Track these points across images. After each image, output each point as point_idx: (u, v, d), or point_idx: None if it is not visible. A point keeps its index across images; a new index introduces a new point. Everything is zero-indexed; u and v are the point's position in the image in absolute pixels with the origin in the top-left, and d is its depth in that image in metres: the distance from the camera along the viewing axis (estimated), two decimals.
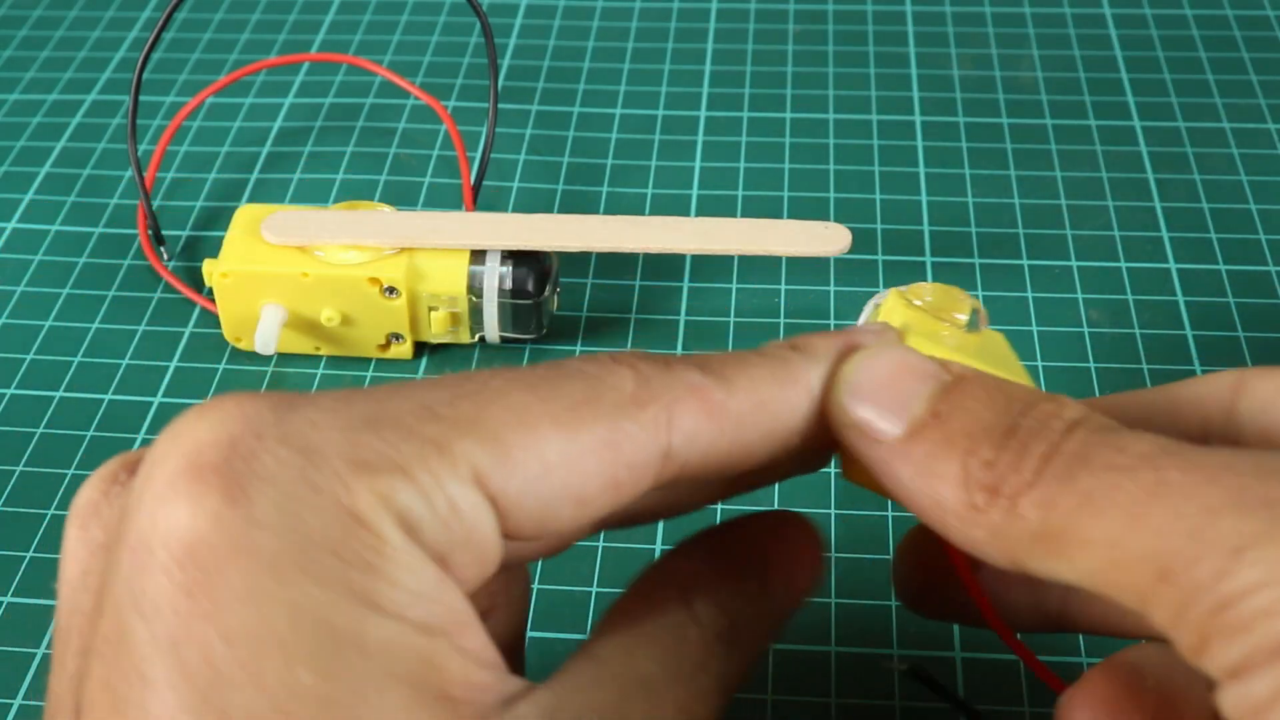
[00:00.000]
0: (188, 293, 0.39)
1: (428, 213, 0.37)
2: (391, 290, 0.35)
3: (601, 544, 0.33)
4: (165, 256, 0.41)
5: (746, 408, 0.21)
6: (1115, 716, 0.20)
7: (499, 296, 0.36)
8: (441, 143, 0.46)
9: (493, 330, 0.37)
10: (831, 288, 0.40)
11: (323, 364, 0.38)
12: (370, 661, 0.17)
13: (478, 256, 0.36)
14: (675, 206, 0.43)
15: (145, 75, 0.46)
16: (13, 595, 0.32)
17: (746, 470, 0.22)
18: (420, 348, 0.38)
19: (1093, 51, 0.49)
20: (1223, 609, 0.17)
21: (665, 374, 0.21)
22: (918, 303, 0.26)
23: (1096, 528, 0.18)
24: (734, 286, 0.40)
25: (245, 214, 0.37)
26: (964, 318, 0.25)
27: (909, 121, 0.46)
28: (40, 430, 0.36)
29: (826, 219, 0.42)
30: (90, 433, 0.36)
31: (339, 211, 0.36)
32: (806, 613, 0.31)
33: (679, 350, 0.38)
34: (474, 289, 0.36)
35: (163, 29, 0.42)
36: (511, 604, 0.23)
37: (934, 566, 0.25)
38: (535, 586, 0.32)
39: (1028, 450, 0.19)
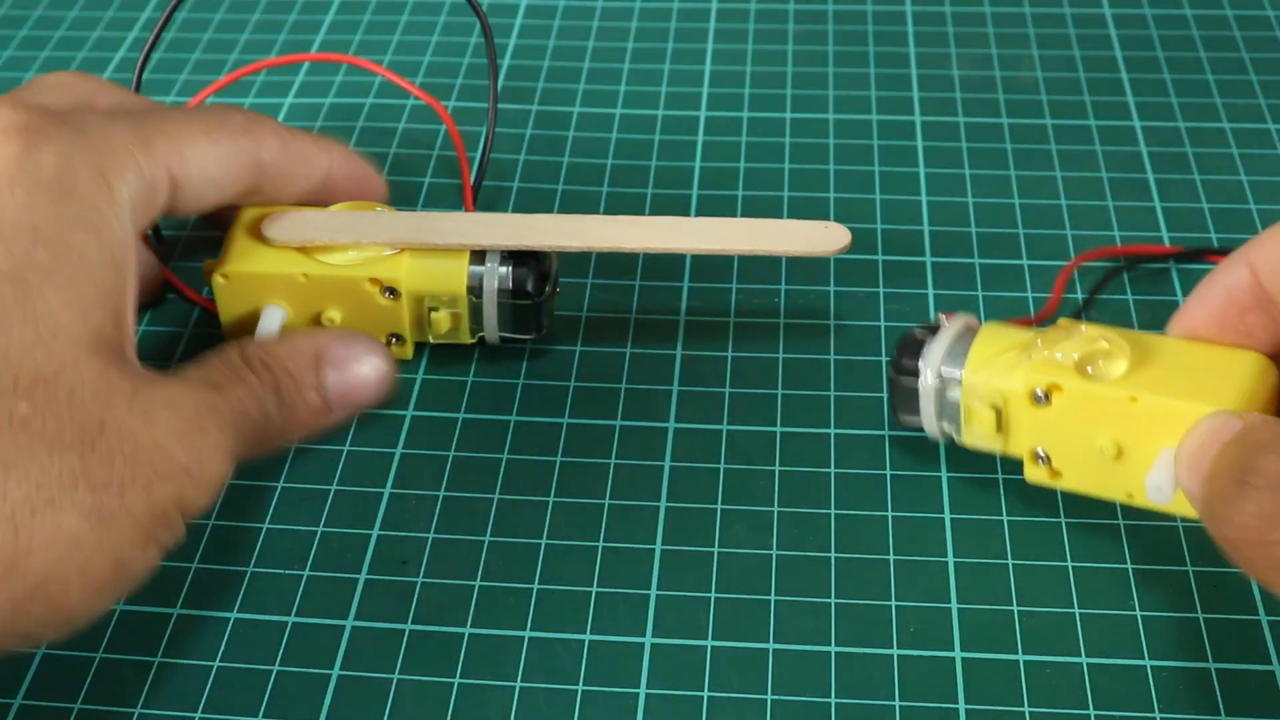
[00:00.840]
0: (188, 292, 0.39)
1: (427, 213, 0.37)
2: (391, 291, 0.35)
3: (601, 544, 0.33)
4: (165, 257, 0.41)
5: (302, 147, 0.35)
6: None
7: (499, 297, 0.36)
8: (441, 143, 0.46)
9: (492, 330, 0.36)
10: (831, 288, 0.40)
11: None
12: (84, 261, 0.28)
13: (478, 257, 0.35)
14: (675, 206, 0.43)
15: (145, 75, 0.46)
16: None
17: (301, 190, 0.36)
18: (420, 348, 0.38)
19: (1093, 51, 0.50)
20: None
21: (257, 115, 0.35)
22: (1060, 355, 0.30)
23: None
24: (734, 286, 0.40)
25: (247, 215, 0.36)
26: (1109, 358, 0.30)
27: (909, 121, 0.46)
28: None
29: (826, 219, 0.42)
30: None
31: (339, 212, 0.36)
32: (807, 613, 0.32)
33: (679, 352, 0.38)
34: (474, 290, 0.36)
35: (162, 29, 0.42)
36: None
37: None
38: (536, 586, 0.32)
39: None
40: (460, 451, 0.36)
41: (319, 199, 0.37)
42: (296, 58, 0.49)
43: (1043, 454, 0.31)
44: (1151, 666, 0.30)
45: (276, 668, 0.31)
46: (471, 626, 0.32)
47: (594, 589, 0.32)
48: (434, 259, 0.35)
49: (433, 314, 0.36)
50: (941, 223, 0.42)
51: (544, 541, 0.33)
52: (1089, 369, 0.30)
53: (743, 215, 0.43)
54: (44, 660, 0.31)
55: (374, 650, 0.31)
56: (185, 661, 0.31)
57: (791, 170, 0.44)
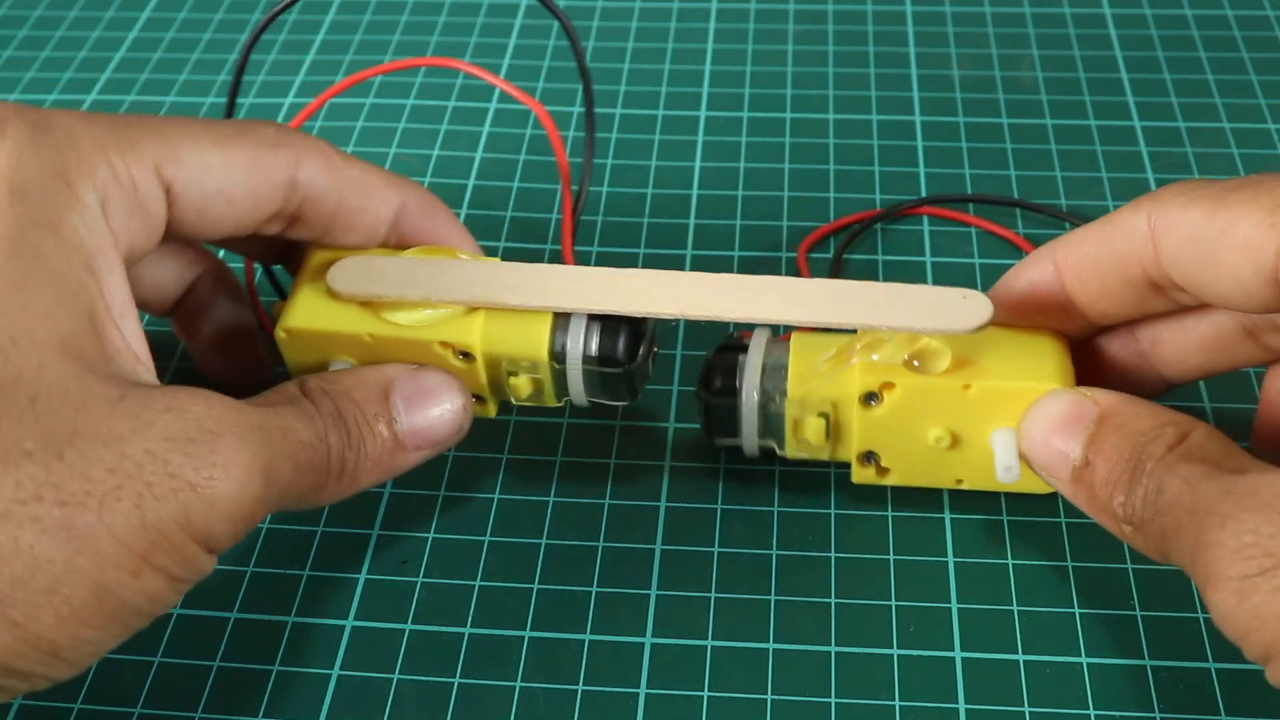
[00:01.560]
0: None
1: (507, 264, 0.32)
2: (465, 354, 0.31)
3: (601, 544, 0.33)
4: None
5: (360, 177, 0.31)
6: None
7: (585, 364, 0.31)
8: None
9: (580, 397, 0.32)
10: None
11: None
12: (41, 262, 0.25)
13: (561, 317, 0.31)
14: (675, 207, 0.43)
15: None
16: None
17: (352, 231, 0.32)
18: (504, 406, 0.35)
19: (1093, 51, 0.50)
20: None
21: (301, 133, 0.30)
22: (875, 357, 0.31)
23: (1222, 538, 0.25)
24: None
25: (317, 258, 0.32)
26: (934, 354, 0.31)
27: (909, 121, 0.46)
28: None
29: (827, 219, 0.42)
30: None
31: (413, 260, 0.32)
32: (807, 614, 0.32)
33: (679, 352, 0.38)
34: (556, 354, 0.31)
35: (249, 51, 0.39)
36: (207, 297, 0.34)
37: None
38: (536, 586, 0.32)
39: (1147, 494, 0.26)
40: (460, 451, 0.36)
41: (391, 246, 0.33)
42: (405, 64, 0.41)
43: (871, 454, 0.32)
44: (1151, 666, 0.30)
45: (276, 668, 0.31)
46: (471, 626, 0.32)
47: (594, 589, 0.32)
48: (513, 320, 0.31)
49: (511, 379, 0.32)
50: (941, 222, 0.42)
51: (544, 541, 0.33)
52: (915, 364, 0.30)
53: (742, 215, 0.43)
54: None
55: (374, 650, 0.31)
56: (185, 661, 0.31)
57: (791, 170, 0.44)
